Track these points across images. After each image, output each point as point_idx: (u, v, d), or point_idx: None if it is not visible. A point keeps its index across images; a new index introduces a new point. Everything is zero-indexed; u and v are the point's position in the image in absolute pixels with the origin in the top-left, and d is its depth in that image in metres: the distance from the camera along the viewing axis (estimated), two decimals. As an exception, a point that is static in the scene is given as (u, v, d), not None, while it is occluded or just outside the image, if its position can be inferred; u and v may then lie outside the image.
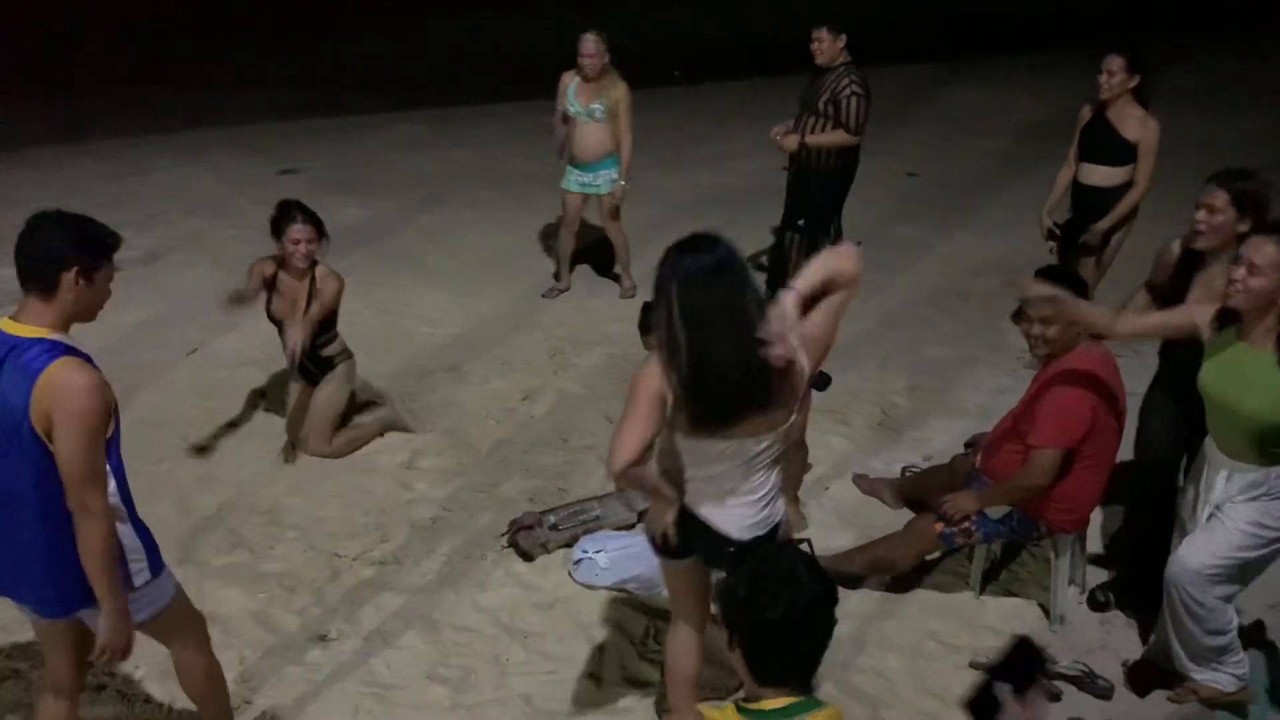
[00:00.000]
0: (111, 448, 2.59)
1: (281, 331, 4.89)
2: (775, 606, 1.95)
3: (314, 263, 4.82)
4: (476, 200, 8.92)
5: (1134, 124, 5.28)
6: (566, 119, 6.45)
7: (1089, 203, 5.49)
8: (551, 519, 4.32)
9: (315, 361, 4.97)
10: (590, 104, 6.35)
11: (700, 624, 3.14)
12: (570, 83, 6.40)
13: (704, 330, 2.52)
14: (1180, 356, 3.57)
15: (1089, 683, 3.58)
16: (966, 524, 3.76)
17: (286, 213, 4.77)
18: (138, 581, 2.74)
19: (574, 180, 6.63)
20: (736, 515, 2.80)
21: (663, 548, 2.95)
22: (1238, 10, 15.85)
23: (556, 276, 7.08)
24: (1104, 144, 5.36)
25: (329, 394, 5.00)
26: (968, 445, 4.28)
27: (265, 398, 5.52)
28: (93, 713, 3.47)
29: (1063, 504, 3.68)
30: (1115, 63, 5.26)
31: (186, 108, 11.68)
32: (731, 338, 2.52)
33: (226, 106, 11.75)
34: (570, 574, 4.14)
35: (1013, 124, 11.28)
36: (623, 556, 4.07)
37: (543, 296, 6.95)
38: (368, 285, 6.97)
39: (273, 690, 3.58)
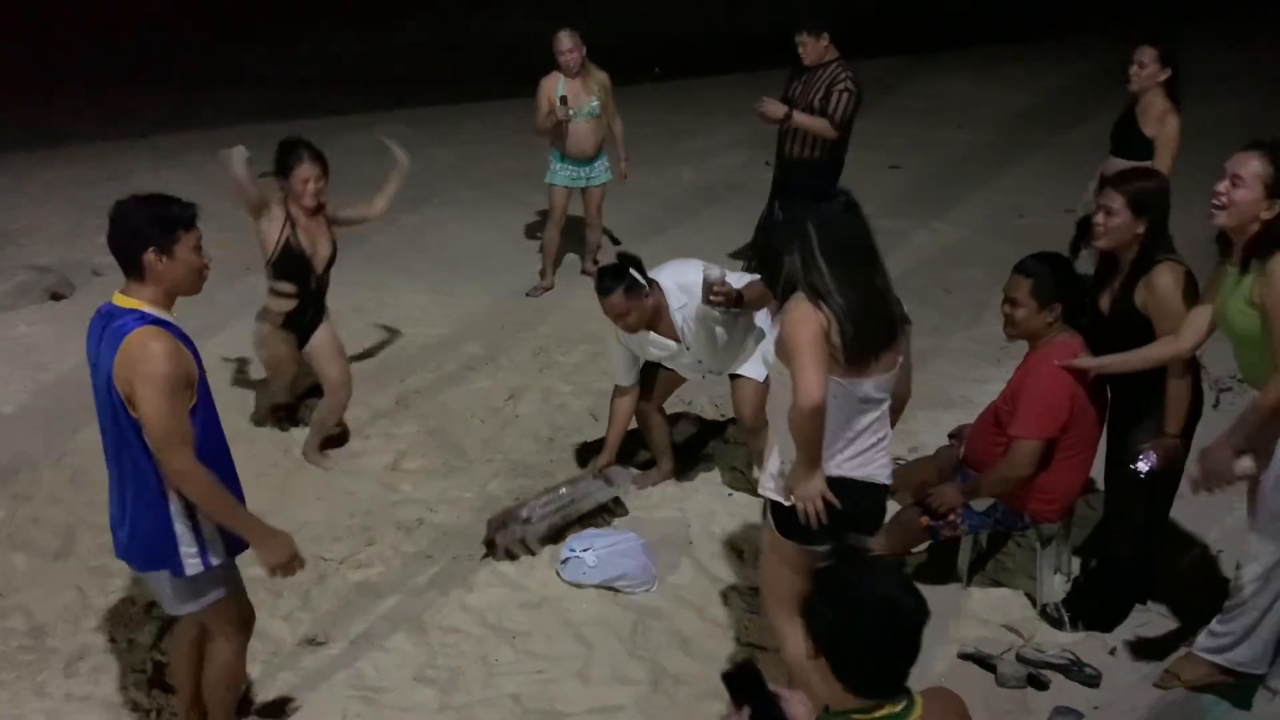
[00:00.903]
0: (194, 416, 2.72)
1: (304, 268, 4.73)
2: (882, 633, 1.87)
3: (321, 205, 4.76)
4: (458, 199, 8.90)
5: (1154, 119, 5.13)
6: (562, 121, 6.41)
7: None
8: (524, 513, 4.26)
9: (321, 298, 4.92)
10: (587, 103, 6.42)
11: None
12: (556, 83, 6.41)
13: (848, 263, 2.77)
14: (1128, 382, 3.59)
15: (1076, 671, 3.59)
16: (952, 516, 3.76)
17: (293, 151, 4.69)
18: (189, 571, 2.81)
19: (565, 175, 6.69)
20: (884, 460, 3.03)
21: (809, 528, 2.93)
22: (1219, 1, 15.91)
23: (541, 274, 7.08)
24: (1126, 137, 5.25)
25: (332, 331, 4.99)
26: (951, 437, 4.28)
27: (249, 402, 5.49)
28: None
29: (1045, 494, 3.69)
30: (1147, 54, 5.09)
31: (163, 110, 11.61)
32: (871, 269, 2.83)
33: (204, 109, 11.68)
34: (558, 573, 4.13)
35: (994, 115, 11.31)
36: (610, 554, 4.06)
37: (527, 295, 6.95)
38: (349, 286, 6.91)
39: (261, 695, 3.56)
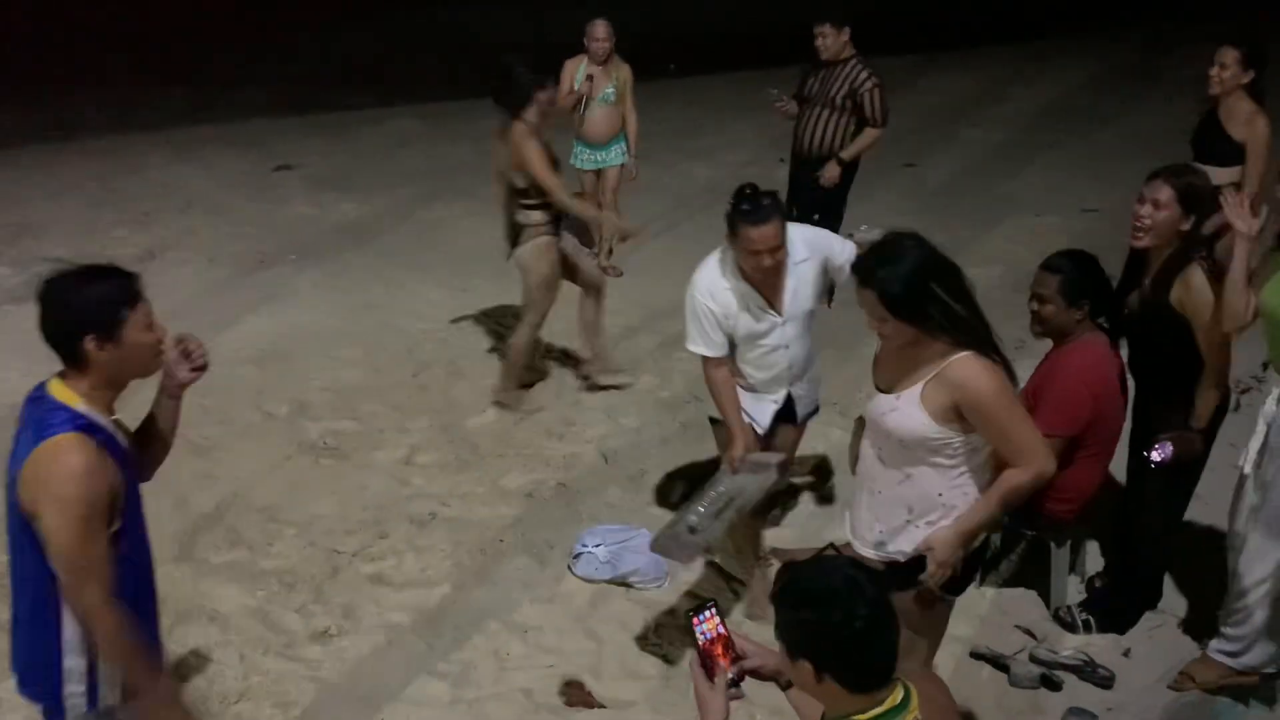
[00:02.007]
0: (120, 539, 2.34)
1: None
2: (855, 616, 1.84)
3: None
4: (471, 195, 8.87)
5: (1241, 122, 4.92)
6: (581, 102, 6.70)
7: None
8: (690, 521, 3.49)
9: None
10: (605, 88, 6.67)
11: None
12: (578, 68, 6.66)
13: (971, 303, 2.66)
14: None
15: (1090, 672, 3.59)
16: None
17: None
18: (71, 713, 2.40)
19: (587, 158, 6.95)
20: None
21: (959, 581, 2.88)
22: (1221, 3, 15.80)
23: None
24: (1211, 143, 5.02)
25: None
26: None
27: (262, 395, 5.50)
28: None
29: (1062, 493, 3.67)
30: (1229, 55, 4.88)
31: (178, 105, 11.63)
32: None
33: (218, 103, 11.70)
34: (569, 568, 4.14)
35: (1008, 114, 11.27)
36: (622, 549, 4.06)
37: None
38: (363, 281, 6.96)
39: (273, 687, 3.57)
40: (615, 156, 6.93)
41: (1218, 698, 3.47)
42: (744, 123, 10.51)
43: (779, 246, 3.37)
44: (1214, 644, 3.49)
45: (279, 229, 8.01)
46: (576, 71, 6.68)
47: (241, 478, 4.79)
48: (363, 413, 5.34)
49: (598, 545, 4.09)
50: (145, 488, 2.61)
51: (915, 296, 2.58)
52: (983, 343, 2.64)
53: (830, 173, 5.92)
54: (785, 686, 2.10)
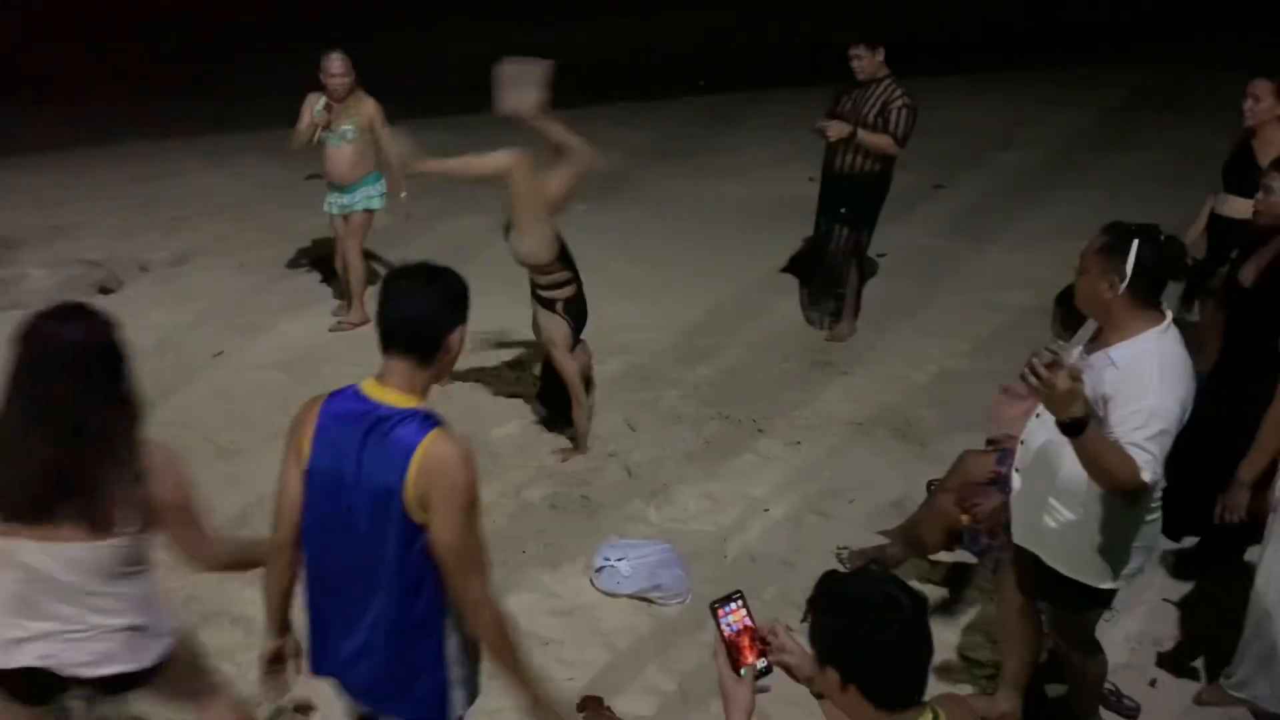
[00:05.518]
0: None
1: None
2: (886, 630, 1.86)
3: None
4: (489, 208, 8.90)
5: (1274, 152, 4.77)
6: (315, 129, 6.13)
7: (1223, 237, 5.04)
8: None
9: None
10: (341, 126, 6.12)
11: None
12: (318, 102, 6.13)
13: None
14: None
15: (1115, 701, 3.55)
16: (991, 540, 3.70)
17: None
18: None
19: (333, 203, 6.39)
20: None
21: None
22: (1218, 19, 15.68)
23: (344, 309, 6.61)
24: (1242, 173, 4.93)
25: None
26: (990, 443, 4.14)
27: (289, 401, 5.52)
28: None
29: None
30: (1262, 87, 4.90)
31: (212, 112, 11.75)
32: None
33: (252, 111, 11.81)
34: (591, 581, 4.13)
35: (1040, 136, 11.21)
36: (645, 564, 4.05)
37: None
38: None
39: (298, 690, 3.56)
40: (361, 200, 6.29)
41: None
42: (777, 141, 10.51)
43: None
44: (1225, 671, 3.50)
45: (309, 236, 8.07)
46: (316, 106, 6.09)
47: (267, 482, 4.77)
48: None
49: (620, 559, 4.08)
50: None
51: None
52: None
53: (837, 129, 5.80)
54: (818, 695, 2.09)
